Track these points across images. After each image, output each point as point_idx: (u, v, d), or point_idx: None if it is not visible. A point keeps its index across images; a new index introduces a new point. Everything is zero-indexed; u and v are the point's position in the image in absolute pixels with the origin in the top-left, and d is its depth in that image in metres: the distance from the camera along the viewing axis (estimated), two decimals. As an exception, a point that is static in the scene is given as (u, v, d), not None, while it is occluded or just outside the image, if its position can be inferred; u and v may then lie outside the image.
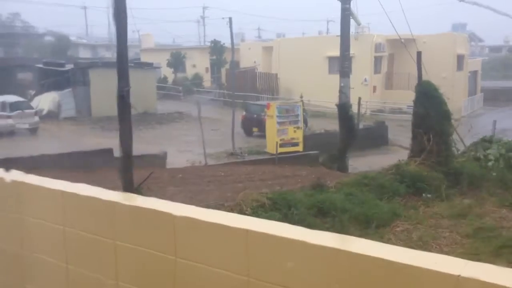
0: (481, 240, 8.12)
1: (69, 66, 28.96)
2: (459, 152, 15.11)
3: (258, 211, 8.20)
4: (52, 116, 26.06)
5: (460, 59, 34.32)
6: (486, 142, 15.43)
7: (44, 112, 25.86)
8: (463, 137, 16.57)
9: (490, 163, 13.84)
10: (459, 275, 1.71)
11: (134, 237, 2.65)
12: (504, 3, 26.55)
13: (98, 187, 3.00)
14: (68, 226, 2.96)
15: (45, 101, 26.85)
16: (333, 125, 17.16)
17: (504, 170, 13.53)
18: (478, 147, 15.18)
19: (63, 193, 3.00)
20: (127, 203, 2.74)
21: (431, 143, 12.63)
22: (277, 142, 18.19)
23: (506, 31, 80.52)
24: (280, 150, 17.91)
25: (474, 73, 37.56)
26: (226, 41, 40.92)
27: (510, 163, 14.22)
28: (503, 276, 1.73)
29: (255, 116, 23.45)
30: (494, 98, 39.01)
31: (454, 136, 14.38)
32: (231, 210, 8.03)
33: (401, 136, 18.91)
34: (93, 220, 2.86)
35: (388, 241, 7.83)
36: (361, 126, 21.53)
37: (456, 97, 26.97)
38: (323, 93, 28.53)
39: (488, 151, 14.36)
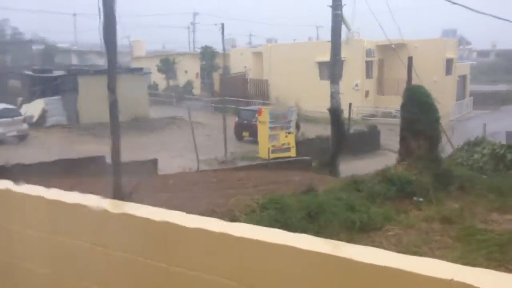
0: (472, 244, 8.15)
1: (58, 73, 28.80)
2: (448, 155, 15.23)
3: (250, 216, 8.18)
4: (41, 123, 25.88)
5: (449, 63, 34.65)
6: (475, 145, 15.57)
7: (34, 119, 25.68)
8: (452, 141, 16.70)
9: (479, 166, 13.96)
10: (451, 279, 1.71)
11: (124, 245, 2.62)
12: (492, 6, 26.87)
13: (87, 195, 2.97)
14: (57, 235, 2.92)
15: (34, 108, 26.67)
16: (325, 130, 17.21)
17: (494, 173, 13.65)
18: (468, 150, 15.31)
19: (51, 201, 2.96)
20: (117, 210, 2.71)
21: (419, 147, 12.71)
22: (269, 148, 18.20)
23: (493, 35, 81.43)
24: (273, 155, 17.92)
25: (463, 78, 37.91)
26: (217, 47, 41.05)
27: (499, 165, 14.35)
28: (495, 280, 1.73)
29: (246, 121, 23.48)
30: (483, 102, 39.38)
31: (444, 139, 14.49)
32: (223, 216, 8.01)
33: (393, 140, 19.00)
34: (82, 229, 2.82)
35: (379, 245, 7.84)
36: (352, 130, 21.62)
37: (446, 101, 27.13)
38: (314, 99, 28.62)
39: (477, 154, 14.47)
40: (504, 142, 16.99)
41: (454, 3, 17.31)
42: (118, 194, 6.48)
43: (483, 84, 47.03)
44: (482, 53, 71.28)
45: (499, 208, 10.70)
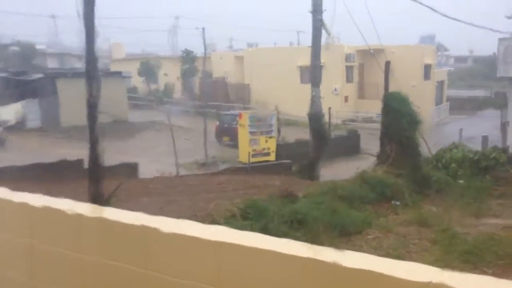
0: (449, 247, 8.26)
1: (36, 76, 28.37)
2: (426, 160, 15.43)
3: (230, 221, 8.15)
4: (18, 126, 25.45)
5: (427, 69, 35.18)
6: (452, 149, 15.81)
7: (10, 123, 25.24)
8: (430, 145, 16.93)
9: (456, 170, 14.17)
10: (430, 282, 1.73)
11: (102, 250, 2.58)
12: (469, 13, 27.52)
13: (65, 199, 2.92)
14: (34, 239, 2.87)
15: (10, 111, 26.22)
16: (305, 134, 17.29)
17: (470, 178, 13.87)
18: (445, 155, 15.53)
19: (28, 206, 2.91)
20: (95, 215, 2.67)
21: (397, 151, 12.86)
22: (249, 152, 18.21)
23: (471, 41, 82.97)
24: (253, 159, 17.93)
25: (440, 83, 38.54)
26: (197, 51, 40.92)
27: (475, 170, 14.58)
28: (471, 283, 1.75)
29: (227, 126, 23.46)
30: (459, 107, 40.11)
31: (422, 144, 14.68)
32: (202, 220, 7.95)
33: (373, 144, 19.19)
34: (59, 234, 2.77)
35: (359, 249, 7.89)
36: (333, 135, 21.76)
37: (425, 106, 27.53)
38: (294, 103, 28.74)
39: (455, 159, 14.69)
40: (479, 146, 17.32)
41: (433, 10, 17.60)
42: (96, 199, 6.40)
43: (460, 89, 47.86)
44: (460, 59, 72.56)
45: (475, 212, 10.88)
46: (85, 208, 2.78)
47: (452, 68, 53.20)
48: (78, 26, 6.57)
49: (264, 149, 19.35)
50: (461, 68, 64.69)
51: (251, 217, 8.45)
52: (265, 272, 2.09)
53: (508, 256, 7.74)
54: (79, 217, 2.67)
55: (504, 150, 15.98)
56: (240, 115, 20.67)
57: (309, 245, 2.23)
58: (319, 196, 10.57)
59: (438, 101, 37.72)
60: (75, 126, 22.26)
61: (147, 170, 16.01)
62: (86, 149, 6.65)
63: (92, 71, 6.66)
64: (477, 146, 16.79)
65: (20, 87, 27.19)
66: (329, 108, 20.84)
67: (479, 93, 47.08)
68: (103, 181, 6.82)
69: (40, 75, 28.41)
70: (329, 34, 17.49)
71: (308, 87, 16.59)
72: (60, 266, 2.77)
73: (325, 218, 9.04)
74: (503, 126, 20.11)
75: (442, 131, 27.88)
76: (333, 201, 10.26)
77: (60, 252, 2.74)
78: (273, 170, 16.51)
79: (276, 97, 30.12)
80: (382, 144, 13.91)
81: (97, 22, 6.63)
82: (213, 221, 8.03)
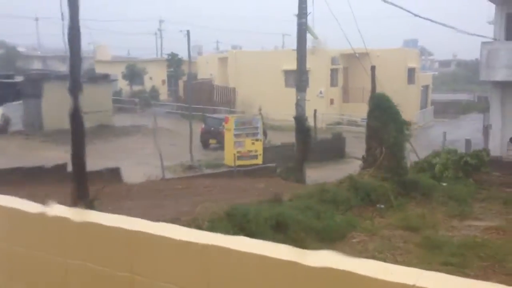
0: (434, 250, 8.34)
1: (19, 78, 28.02)
2: (412, 163, 15.57)
3: (216, 225, 8.13)
4: (1, 129, 25.09)
5: (411, 73, 35.52)
6: (437, 153, 15.98)
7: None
8: (415, 149, 17.09)
9: (440, 174, 14.32)
10: (414, 285, 1.74)
11: (86, 255, 2.55)
12: (452, 18, 27.83)
13: (46, 203, 2.88)
14: (15, 244, 2.83)
15: (-6, 114, 25.85)
16: (291, 138, 17.33)
17: (454, 181, 14.03)
18: (429, 158, 15.69)
19: (8, 210, 2.86)
20: (78, 218, 2.64)
21: (383, 154, 12.95)
22: (234, 155, 18.18)
23: (454, 45, 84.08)
24: (239, 162, 17.91)
25: (425, 87, 38.93)
26: (183, 54, 40.84)
27: (459, 173, 14.76)
28: (455, 285, 1.77)
29: (213, 128, 23.42)
30: (443, 110, 40.57)
31: (408, 147, 14.81)
32: (188, 224, 7.92)
33: (358, 148, 19.31)
34: (42, 238, 2.74)
35: (345, 252, 7.91)
36: (318, 138, 21.84)
37: (409, 110, 27.79)
38: (280, 106, 28.80)
39: (439, 162, 14.84)
40: (463, 149, 17.53)
41: (416, 15, 17.78)
42: (80, 202, 6.33)
43: (444, 93, 48.41)
44: (444, 63, 73.44)
45: (459, 215, 11.01)
46: (69, 212, 2.75)
47: (436, 73, 53.81)
48: (62, 28, 6.51)
49: (250, 151, 19.34)
50: (445, 72, 65.47)
51: (236, 221, 8.43)
52: (252, 276, 2.09)
53: (490, 258, 7.84)
54: (63, 220, 2.64)
55: (486, 151, 16.20)
56: (226, 119, 20.65)
57: (294, 248, 2.23)
58: (305, 199, 10.60)
59: (423, 105, 38.10)
60: (58, 129, 22.01)
61: (132, 174, 15.89)
62: (70, 153, 6.58)
63: (77, 73, 6.61)
64: (461, 149, 16.98)
65: (4, 90, 26.83)
66: (315, 111, 20.93)
67: (463, 97, 47.68)
68: (87, 184, 6.77)
69: (23, 78, 28.06)
70: (315, 38, 17.59)
71: (293, 90, 16.66)
72: (43, 270, 2.73)
73: (310, 222, 9.07)
74: (486, 130, 20.38)
75: (427, 135, 28.14)
76: (319, 204, 10.30)
77: (43, 257, 2.70)
78: (259, 173, 16.52)
79: (261, 100, 30.14)
80: (368, 147, 13.99)
81: (81, 24, 6.59)
82: (199, 225, 8.01)
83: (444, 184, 13.55)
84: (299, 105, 15.76)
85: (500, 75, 17.96)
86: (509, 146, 18.73)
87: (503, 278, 7.03)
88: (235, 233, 7.04)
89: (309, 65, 18.13)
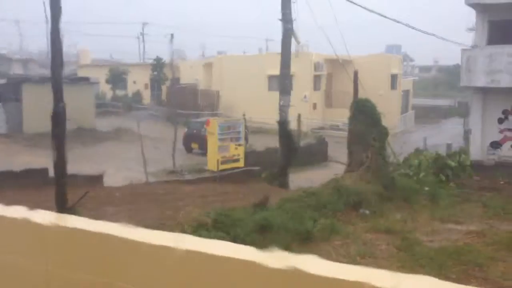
0: (415, 253, 8.41)
1: (1, 81, 27.62)
2: (393, 167, 15.72)
3: (200, 230, 8.10)
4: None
5: (393, 78, 35.91)
6: (417, 157, 16.17)
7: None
8: (397, 153, 17.26)
9: (422, 178, 14.48)
10: (395, 289, 1.75)
11: (67, 261, 2.52)
12: (435, 25, 28.30)
13: (26, 208, 2.83)
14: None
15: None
16: (274, 142, 17.36)
17: (435, 185, 14.21)
18: (411, 162, 15.87)
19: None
20: (59, 224, 2.61)
21: (367, 158, 13.05)
22: (218, 160, 18.12)
23: (435, 51, 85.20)
24: (222, 167, 17.86)
25: (406, 92, 39.37)
26: (167, 58, 40.73)
27: (440, 178, 14.96)
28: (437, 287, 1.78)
29: (196, 132, 23.34)
30: (424, 115, 41.07)
31: (389, 152, 14.96)
32: (172, 229, 7.88)
33: (340, 152, 19.44)
34: (21, 244, 2.69)
35: (327, 256, 7.95)
36: (301, 143, 21.91)
37: (391, 115, 28.07)
38: (263, 110, 28.84)
39: (421, 167, 15.02)
40: (444, 154, 17.75)
41: (398, 22, 18.02)
42: (61, 207, 6.25)
43: (425, 98, 48.98)
44: (424, 69, 74.35)
45: (440, 218, 11.15)
46: (50, 217, 2.71)
47: (417, 78, 54.46)
48: (44, 31, 6.44)
49: (234, 155, 19.30)
50: (426, 77, 66.29)
51: (220, 226, 8.41)
52: (234, 280, 2.08)
53: (470, 262, 7.95)
54: (43, 226, 2.60)
55: (465, 152, 16.45)
56: (207, 122, 20.58)
57: (277, 253, 2.23)
58: (288, 203, 10.62)
59: (404, 110, 38.52)
60: (39, 133, 21.71)
61: (114, 178, 15.74)
62: (51, 157, 6.49)
63: (58, 77, 6.54)
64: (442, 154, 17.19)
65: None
66: (299, 115, 21.01)
67: (444, 102, 48.32)
68: (68, 189, 6.68)
69: (3, 80, 27.65)
70: (298, 43, 17.68)
71: (276, 94, 16.70)
72: (23, 279, 2.68)
73: (294, 226, 9.09)
74: (466, 134, 20.69)
75: (408, 139, 28.44)
76: (302, 208, 10.32)
77: (23, 264, 2.66)
78: (242, 178, 16.50)
79: (244, 105, 30.17)
80: (350, 152, 14.10)
81: (63, 27, 6.52)
82: (183, 230, 7.97)
83: (426, 188, 13.71)
84: (282, 109, 15.79)
85: (481, 81, 18.26)
86: (489, 150, 19.04)
87: (483, 281, 7.13)
88: (219, 237, 7.02)
89: (293, 69, 18.22)
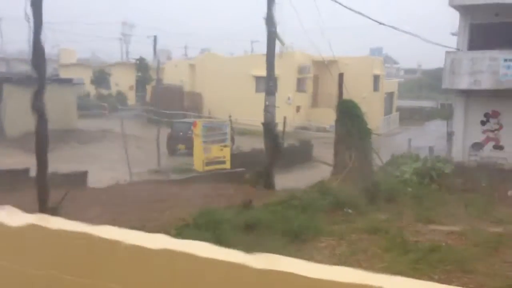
0: (399, 254, 8.47)
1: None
2: (378, 169, 15.83)
3: (184, 230, 8.06)
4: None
5: (376, 80, 36.22)
6: (402, 159, 16.31)
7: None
8: (381, 155, 17.40)
9: (406, 179, 14.62)
10: (380, 288, 1.75)
11: (47, 263, 2.48)
12: (417, 27, 28.62)
13: (9, 209, 2.78)
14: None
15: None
16: (261, 143, 17.37)
17: (418, 186, 14.36)
18: (395, 164, 16.01)
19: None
20: (40, 225, 2.56)
21: (352, 160, 13.14)
22: (203, 161, 18.09)
23: (419, 54, 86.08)
24: (207, 168, 17.82)
25: (390, 94, 39.71)
26: (150, 58, 40.50)
27: (423, 179, 15.11)
28: (421, 289, 1.79)
29: (180, 134, 23.24)
30: (409, 117, 41.47)
31: (374, 153, 15.06)
32: (156, 230, 7.82)
33: (325, 153, 19.52)
34: (1, 246, 2.64)
35: (312, 257, 7.97)
36: (286, 144, 21.95)
37: (374, 117, 28.28)
38: (249, 111, 28.85)
39: (405, 168, 15.16)
40: (427, 156, 17.95)
41: (381, 24, 18.12)
42: (43, 208, 6.16)
43: (409, 100, 49.43)
44: (409, 71, 75.09)
45: (423, 219, 11.25)
46: (31, 218, 2.66)
47: (402, 80, 54.95)
48: (25, 30, 6.35)
49: (219, 157, 19.26)
50: (411, 79, 66.96)
51: (204, 227, 8.38)
52: (218, 283, 2.07)
53: (453, 262, 8.03)
54: (23, 228, 2.56)
55: (448, 160, 16.65)
56: (195, 124, 20.53)
57: (262, 254, 2.22)
58: (274, 204, 10.63)
59: (388, 112, 38.83)
60: (20, 134, 21.42)
61: (98, 179, 15.58)
62: (33, 158, 6.40)
63: (40, 77, 6.45)
64: (425, 156, 17.39)
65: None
66: (284, 117, 21.05)
67: (427, 104, 48.83)
68: (50, 190, 6.59)
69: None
70: (283, 44, 17.70)
71: (262, 96, 16.70)
72: (2, 281, 2.63)
73: (279, 227, 9.09)
74: (449, 136, 20.94)
75: (392, 141, 28.68)
76: (288, 209, 10.34)
77: (2, 266, 2.61)
78: (228, 179, 16.47)
79: (231, 106, 30.15)
80: (336, 153, 14.17)
81: (45, 26, 6.44)
82: (166, 231, 7.91)
83: (410, 189, 13.84)
84: (268, 110, 15.80)
85: (464, 84, 18.51)
86: (471, 152, 19.30)
87: (465, 281, 7.21)
88: (204, 239, 7.00)
89: (277, 71, 18.26)
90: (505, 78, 17.66)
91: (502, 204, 13.76)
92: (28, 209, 3.08)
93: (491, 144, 19.24)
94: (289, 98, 33.17)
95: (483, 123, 19.21)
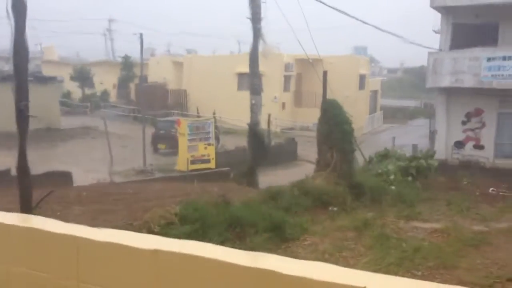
0: (383, 252, 8.55)
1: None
2: (361, 167, 15.94)
3: (167, 228, 8.02)
4: None
5: (362, 79, 36.40)
6: (385, 157, 16.43)
7: None
8: (365, 153, 17.51)
9: (389, 177, 14.73)
10: (365, 287, 1.76)
11: (30, 262, 2.45)
12: (400, 27, 28.81)
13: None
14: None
15: None
16: (244, 142, 17.34)
17: (401, 184, 14.48)
18: (378, 162, 16.11)
19: None
20: (22, 224, 2.53)
21: (334, 158, 13.19)
22: (188, 159, 18.01)
23: (401, 53, 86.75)
24: (192, 167, 17.76)
25: (374, 92, 39.94)
26: (136, 56, 40.11)
27: (406, 177, 15.24)
28: (404, 286, 1.81)
29: (164, 132, 23.11)
30: (392, 115, 41.81)
31: (357, 151, 15.15)
32: (139, 229, 7.77)
33: (309, 151, 19.57)
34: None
35: (297, 254, 7.99)
36: (271, 142, 21.97)
37: (359, 115, 28.41)
38: (233, 110, 28.79)
39: (388, 166, 15.26)
40: (411, 153, 18.11)
41: (365, 23, 18.26)
42: (24, 208, 6.08)
43: (393, 98, 49.83)
44: (392, 70, 75.67)
45: (406, 216, 11.36)
46: (13, 218, 2.63)
47: (385, 78, 55.35)
48: (7, 27, 6.24)
49: (203, 155, 19.19)
50: (393, 78, 67.51)
51: (189, 225, 8.35)
52: (204, 280, 2.06)
53: (436, 259, 8.13)
54: (6, 227, 2.52)
55: (431, 155, 16.82)
56: (178, 122, 20.41)
57: (248, 252, 2.22)
58: (258, 202, 10.63)
59: (373, 110, 39.07)
60: (5, 132, 21.05)
61: (81, 178, 15.42)
62: (14, 157, 6.30)
63: (21, 74, 6.35)
64: (408, 154, 17.53)
65: None
66: (269, 115, 21.06)
67: (410, 103, 49.26)
68: (32, 189, 6.50)
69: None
70: (265, 42, 17.67)
71: (246, 94, 16.68)
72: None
73: (263, 225, 9.09)
74: (432, 135, 21.16)
75: (376, 139, 28.88)
76: (271, 207, 10.34)
77: (-17, 266, 2.57)
78: (212, 178, 16.43)
79: (215, 104, 30.07)
80: (319, 151, 14.21)
81: (28, 23, 6.35)
82: (150, 229, 7.87)
83: (393, 187, 13.95)
84: (253, 109, 15.78)
85: (445, 82, 18.73)
86: (453, 150, 19.54)
87: (447, 278, 7.30)
88: (188, 237, 6.96)
89: (263, 69, 18.25)
90: (486, 79, 17.93)
91: (483, 202, 13.96)
92: (9, 209, 3.03)
93: (471, 143, 19.51)
94: (275, 97, 33.19)
95: (463, 123, 19.49)
